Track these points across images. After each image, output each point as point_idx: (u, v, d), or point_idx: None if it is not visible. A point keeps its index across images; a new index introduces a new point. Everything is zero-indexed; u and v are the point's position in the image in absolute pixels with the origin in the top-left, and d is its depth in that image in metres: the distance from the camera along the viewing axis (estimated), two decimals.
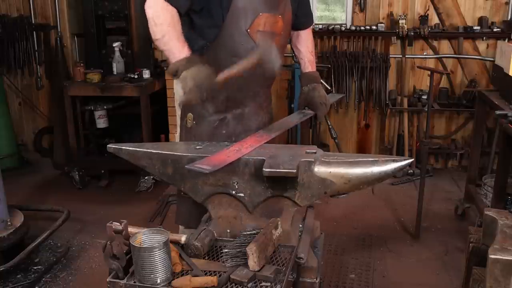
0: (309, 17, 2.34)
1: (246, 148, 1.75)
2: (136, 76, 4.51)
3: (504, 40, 4.14)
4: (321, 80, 2.53)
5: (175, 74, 1.78)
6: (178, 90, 1.81)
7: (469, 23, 4.58)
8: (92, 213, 4.02)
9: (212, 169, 1.56)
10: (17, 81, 5.42)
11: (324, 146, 4.75)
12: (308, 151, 1.75)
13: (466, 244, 2.10)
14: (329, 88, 4.41)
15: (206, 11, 1.95)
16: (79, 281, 3.13)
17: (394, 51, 4.74)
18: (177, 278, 1.50)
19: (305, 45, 2.34)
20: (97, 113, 4.54)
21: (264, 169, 1.60)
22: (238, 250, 1.57)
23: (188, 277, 1.49)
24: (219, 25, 1.95)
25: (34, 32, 5.20)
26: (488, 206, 3.30)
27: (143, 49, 4.82)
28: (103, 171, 4.65)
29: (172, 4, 1.82)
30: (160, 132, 4.81)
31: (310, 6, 2.37)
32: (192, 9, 1.94)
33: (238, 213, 1.76)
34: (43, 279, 3.14)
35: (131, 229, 1.59)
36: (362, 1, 4.71)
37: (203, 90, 1.74)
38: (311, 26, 2.39)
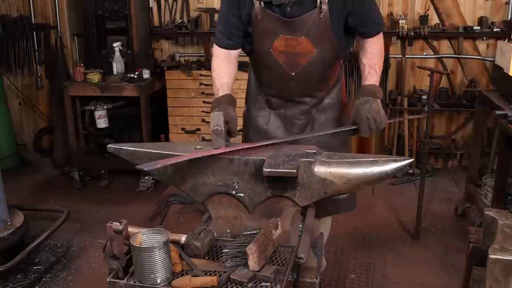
0: (369, 26, 2.16)
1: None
2: (136, 76, 4.51)
3: (504, 40, 4.14)
4: None
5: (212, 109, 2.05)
6: None
7: (469, 23, 4.58)
8: (92, 213, 4.02)
9: (150, 168, 1.61)
10: (17, 81, 5.42)
11: None
12: (308, 151, 1.75)
13: (466, 244, 2.10)
14: None
15: (245, 34, 2.19)
16: (79, 281, 3.13)
17: (394, 51, 4.74)
18: (177, 278, 1.49)
19: (367, 56, 2.17)
20: (97, 113, 4.54)
21: (264, 169, 1.61)
22: (238, 250, 1.57)
23: (188, 277, 1.49)
24: (251, 42, 2.19)
25: (34, 32, 5.20)
26: (488, 206, 3.30)
27: (143, 49, 4.82)
28: (103, 171, 4.65)
29: (221, 47, 2.20)
30: (160, 132, 4.82)
31: (371, 15, 2.16)
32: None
33: (238, 213, 1.76)
34: (43, 279, 3.15)
35: (131, 229, 1.59)
36: None
37: (218, 131, 1.88)
38: (377, 37, 2.18)
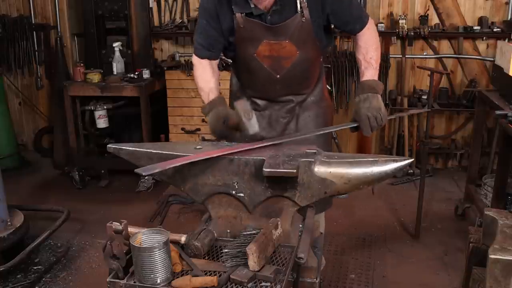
0: (352, 23, 2.16)
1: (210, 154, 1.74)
2: (136, 76, 4.51)
3: (504, 40, 4.14)
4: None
5: (206, 114, 2.12)
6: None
7: (469, 23, 4.58)
8: (92, 213, 4.02)
9: (148, 172, 1.63)
10: (17, 81, 5.42)
11: None
12: (308, 151, 1.75)
13: (466, 244, 2.10)
14: (329, 88, 4.41)
15: (228, 42, 2.22)
16: (79, 281, 3.13)
17: (394, 51, 4.74)
18: (177, 278, 1.50)
19: (362, 52, 2.16)
20: (97, 113, 4.54)
21: (264, 169, 1.61)
22: (238, 250, 1.57)
23: (188, 277, 1.49)
24: (234, 50, 2.22)
25: (34, 32, 5.20)
26: (488, 206, 3.30)
27: (143, 49, 4.82)
28: (103, 171, 4.65)
29: (201, 57, 2.23)
30: (160, 132, 4.81)
31: (352, 12, 2.15)
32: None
33: (238, 213, 1.76)
34: (43, 279, 3.14)
35: (131, 229, 1.59)
36: (362, 1, 4.70)
37: (215, 131, 2.06)
38: (365, 30, 2.16)
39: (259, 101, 2.34)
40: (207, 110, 2.10)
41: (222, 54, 2.34)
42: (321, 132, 2.20)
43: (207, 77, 2.21)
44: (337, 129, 2.23)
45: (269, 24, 2.08)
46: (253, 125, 1.88)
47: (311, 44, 2.17)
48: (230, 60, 2.48)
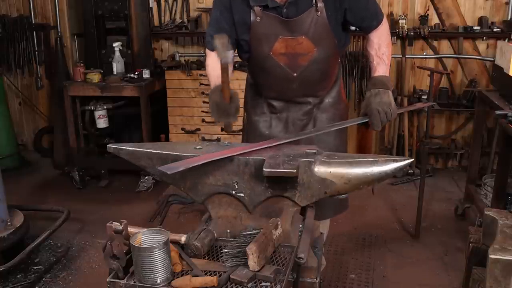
0: (369, 20, 2.17)
1: (217, 154, 1.72)
2: (136, 76, 4.51)
3: (504, 40, 4.14)
4: None
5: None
6: None
7: (469, 23, 4.58)
8: (92, 213, 4.02)
9: (173, 170, 1.61)
10: (17, 81, 5.42)
11: None
12: (308, 151, 1.75)
13: (466, 244, 2.10)
14: None
15: (238, 43, 2.21)
16: (79, 281, 3.14)
17: (394, 51, 4.72)
18: (177, 278, 1.49)
19: (374, 48, 2.17)
20: (97, 113, 4.54)
21: (264, 169, 1.60)
22: (238, 250, 1.56)
23: (188, 277, 1.49)
24: (248, 51, 2.21)
25: (34, 32, 5.20)
26: (488, 206, 3.30)
27: (143, 49, 4.82)
28: (103, 171, 4.65)
29: (209, 49, 2.19)
30: (160, 132, 4.82)
31: (369, 8, 2.17)
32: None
33: (238, 213, 1.76)
34: (43, 279, 3.15)
35: (131, 229, 1.59)
36: None
37: (215, 114, 2.00)
38: (379, 27, 2.18)
39: (275, 103, 2.32)
40: (210, 94, 2.05)
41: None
42: (333, 129, 2.18)
43: (217, 65, 2.14)
44: (347, 124, 2.22)
45: (285, 17, 2.07)
46: (228, 56, 1.82)
47: (328, 41, 2.14)
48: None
